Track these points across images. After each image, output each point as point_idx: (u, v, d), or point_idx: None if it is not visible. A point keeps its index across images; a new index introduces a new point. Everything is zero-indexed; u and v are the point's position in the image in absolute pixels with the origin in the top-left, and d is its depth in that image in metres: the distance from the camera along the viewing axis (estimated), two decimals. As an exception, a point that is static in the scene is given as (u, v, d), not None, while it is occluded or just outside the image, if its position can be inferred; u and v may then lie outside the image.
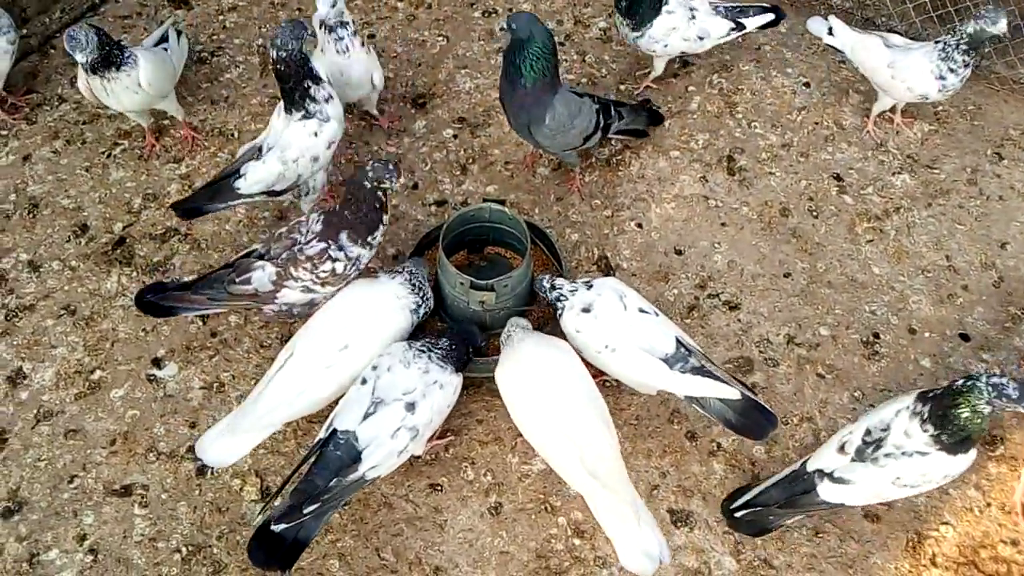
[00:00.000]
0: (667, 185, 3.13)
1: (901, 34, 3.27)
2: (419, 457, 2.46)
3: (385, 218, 2.48)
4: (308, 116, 2.62)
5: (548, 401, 2.21)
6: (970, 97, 3.37)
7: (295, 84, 2.57)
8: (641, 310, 2.36)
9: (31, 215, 2.99)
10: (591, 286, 2.41)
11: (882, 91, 3.12)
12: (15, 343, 2.69)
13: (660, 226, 3.02)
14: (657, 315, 2.38)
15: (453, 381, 2.28)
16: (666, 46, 3.10)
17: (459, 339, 2.35)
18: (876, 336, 2.76)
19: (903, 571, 2.33)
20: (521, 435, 2.48)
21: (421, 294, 2.46)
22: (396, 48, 3.54)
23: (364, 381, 2.23)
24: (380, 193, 2.41)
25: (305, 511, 2.05)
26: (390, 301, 2.41)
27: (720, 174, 3.16)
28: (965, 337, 2.76)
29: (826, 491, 2.17)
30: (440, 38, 3.59)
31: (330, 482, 2.08)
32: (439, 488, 2.44)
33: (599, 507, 2.15)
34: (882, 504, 2.39)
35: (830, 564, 2.33)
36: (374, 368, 2.26)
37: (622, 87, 3.41)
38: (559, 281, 2.47)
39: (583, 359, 2.35)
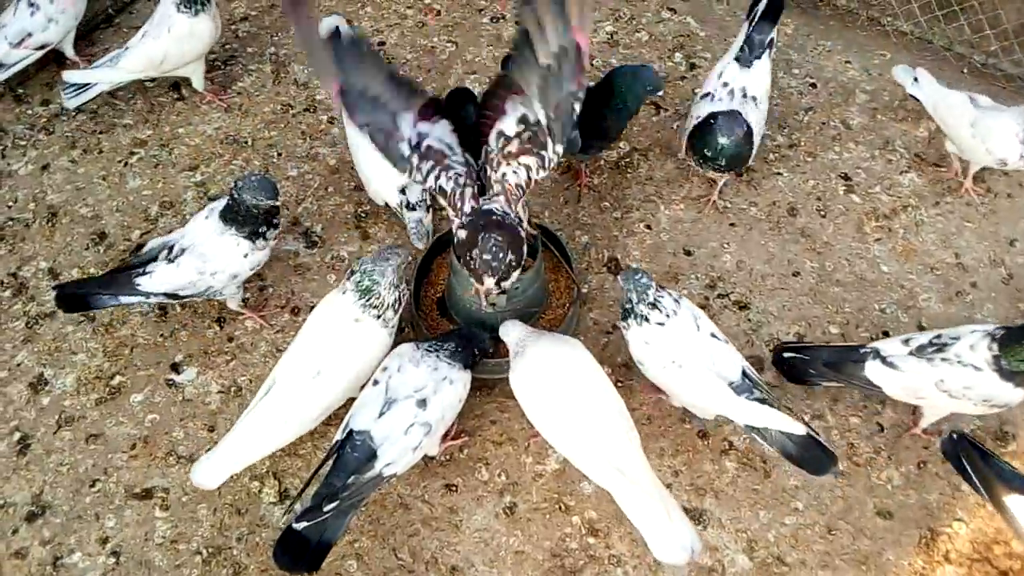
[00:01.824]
0: (675, 187, 3.15)
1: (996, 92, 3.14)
2: (434, 458, 2.49)
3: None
4: (247, 237, 2.49)
5: (567, 399, 2.23)
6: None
7: (249, 224, 2.49)
8: (712, 335, 2.34)
9: (50, 224, 3.04)
10: (679, 308, 2.34)
11: (960, 151, 3.00)
12: (36, 350, 2.74)
13: (669, 227, 3.05)
14: (727, 343, 2.36)
15: (463, 377, 2.32)
16: None
17: (465, 340, 2.39)
18: (886, 334, 2.77)
19: (917, 568, 2.34)
20: (534, 436, 2.52)
21: (376, 300, 2.33)
22: (406, 55, 3.58)
23: (376, 382, 2.28)
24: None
25: (325, 509, 2.08)
26: (348, 323, 2.35)
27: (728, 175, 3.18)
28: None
29: (872, 369, 2.32)
30: (449, 44, 3.63)
31: (348, 480, 2.12)
32: (454, 488, 2.47)
33: (627, 502, 2.16)
34: (916, 403, 2.42)
35: (843, 561, 2.35)
36: (384, 369, 2.31)
37: (630, 90, 3.44)
38: (665, 300, 2.33)
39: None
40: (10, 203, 3.10)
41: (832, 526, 2.41)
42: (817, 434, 2.26)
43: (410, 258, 2.55)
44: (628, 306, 2.35)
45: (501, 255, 2.10)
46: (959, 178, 3.12)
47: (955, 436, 2.25)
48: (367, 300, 2.34)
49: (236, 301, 2.74)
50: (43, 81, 3.43)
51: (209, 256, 2.50)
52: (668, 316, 2.31)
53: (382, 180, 2.85)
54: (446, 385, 2.27)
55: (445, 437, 2.50)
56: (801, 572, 2.33)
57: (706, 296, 2.87)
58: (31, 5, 3.19)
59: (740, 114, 2.76)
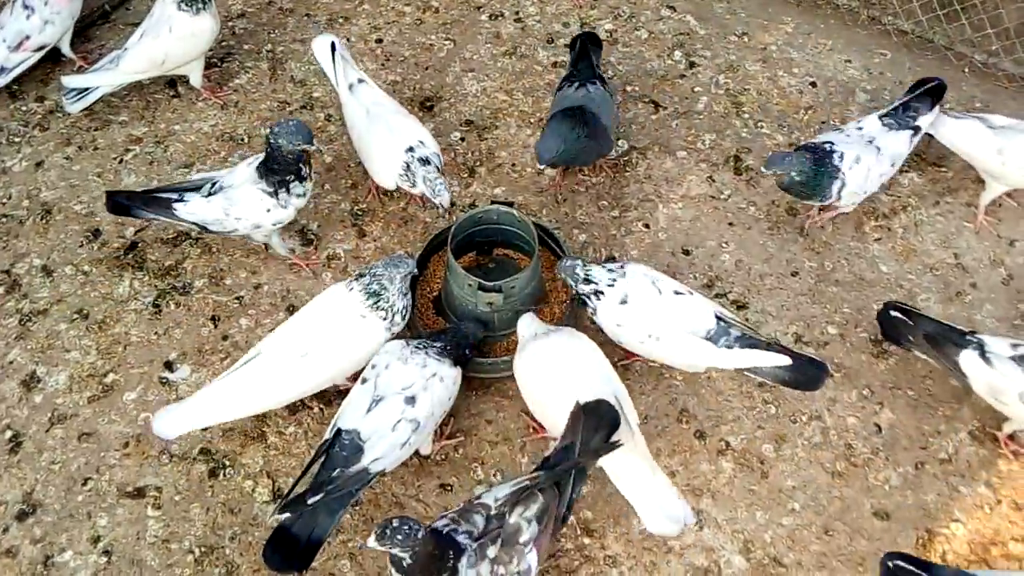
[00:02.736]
0: (674, 185, 3.14)
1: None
2: (428, 457, 2.48)
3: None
4: (271, 195, 2.62)
5: (565, 377, 2.24)
6: (977, 95, 3.37)
7: (280, 172, 2.60)
8: (676, 292, 2.39)
9: (44, 221, 3.03)
10: (624, 274, 2.41)
11: (992, 179, 2.90)
12: (29, 347, 2.72)
13: (667, 226, 3.03)
14: (692, 294, 2.41)
15: (451, 373, 2.31)
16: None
17: (455, 337, 2.38)
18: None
19: (914, 569, 2.32)
20: (529, 435, 2.50)
21: (384, 304, 2.37)
22: (403, 52, 3.57)
23: (364, 380, 2.28)
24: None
25: (309, 501, 2.07)
26: (352, 317, 2.38)
27: (727, 174, 3.17)
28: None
29: (967, 358, 2.34)
30: (447, 42, 3.61)
31: (333, 472, 2.11)
32: (449, 488, 2.45)
33: (619, 474, 2.18)
34: (995, 404, 2.40)
35: (840, 562, 2.33)
36: (373, 367, 2.30)
37: (628, 88, 3.42)
38: (594, 271, 2.40)
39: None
40: (4, 200, 3.09)
41: (829, 527, 2.39)
42: (800, 355, 2.33)
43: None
44: (575, 294, 2.43)
45: None
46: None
47: (890, 565, 2.03)
48: (375, 303, 2.36)
49: (282, 248, 2.85)
50: (38, 78, 3.42)
51: (236, 201, 2.63)
52: (609, 284, 2.37)
53: (386, 162, 2.79)
54: (436, 382, 2.26)
55: (440, 437, 2.49)
56: (798, 573, 2.32)
57: (704, 295, 2.84)
58: (26, 7, 3.18)
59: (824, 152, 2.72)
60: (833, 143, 2.77)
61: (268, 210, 2.63)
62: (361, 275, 2.41)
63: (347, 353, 2.39)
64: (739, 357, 2.31)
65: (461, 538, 1.89)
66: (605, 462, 2.16)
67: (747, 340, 2.33)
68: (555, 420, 2.25)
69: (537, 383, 2.32)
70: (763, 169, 2.74)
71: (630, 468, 2.18)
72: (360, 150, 2.92)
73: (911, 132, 2.87)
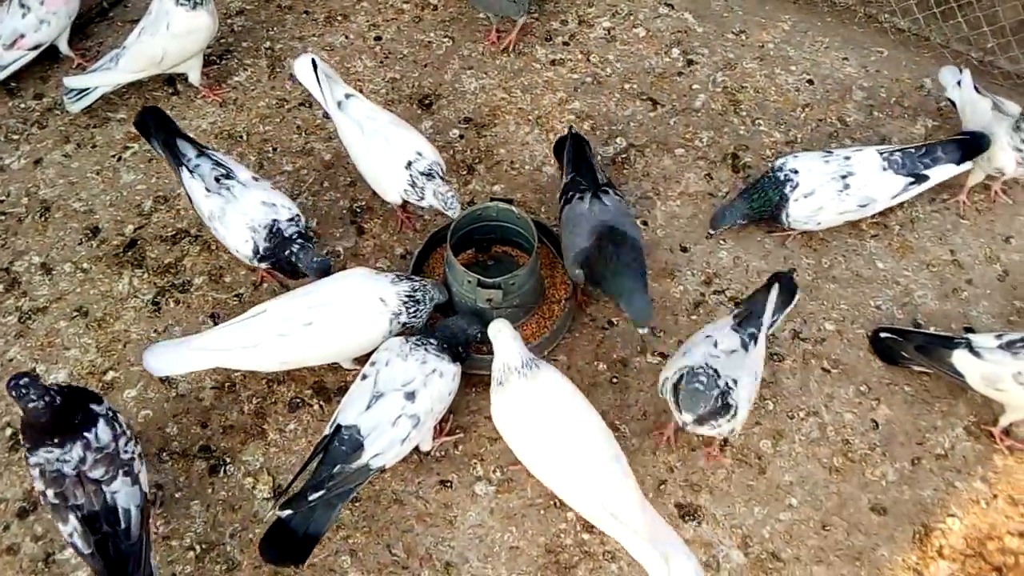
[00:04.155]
0: (672, 183, 3.15)
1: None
2: (428, 454, 2.49)
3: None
4: (254, 250, 2.59)
5: (559, 446, 2.16)
6: (973, 92, 3.38)
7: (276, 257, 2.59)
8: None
9: (43, 218, 3.03)
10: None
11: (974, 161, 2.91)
12: (29, 345, 2.72)
13: (665, 223, 3.04)
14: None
15: (451, 369, 2.32)
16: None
17: (454, 333, 2.40)
18: (880, 331, 2.77)
19: (910, 563, 2.34)
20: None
21: (411, 310, 2.45)
22: (402, 49, 3.57)
23: (364, 377, 2.29)
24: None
25: (310, 498, 2.08)
26: (372, 303, 2.43)
27: (725, 171, 3.18)
28: (970, 331, 2.77)
29: (959, 357, 2.43)
30: (446, 39, 3.62)
31: (333, 469, 2.12)
32: (449, 485, 2.47)
33: (626, 544, 2.13)
34: (995, 396, 2.45)
35: (837, 557, 2.35)
36: (372, 364, 2.32)
37: (626, 85, 3.43)
38: None
39: None
40: (3, 197, 3.09)
41: (826, 522, 2.41)
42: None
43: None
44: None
45: None
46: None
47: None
48: (410, 308, 2.45)
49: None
50: (36, 75, 3.41)
51: (227, 223, 2.61)
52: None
53: (389, 180, 2.75)
54: (435, 378, 2.27)
55: (440, 433, 2.50)
56: (795, 568, 2.33)
57: (702, 292, 2.86)
58: (22, 6, 3.18)
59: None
60: (797, 171, 2.76)
61: (238, 251, 2.62)
62: (410, 279, 2.50)
63: (351, 333, 2.42)
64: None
65: None
66: (610, 532, 2.13)
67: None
68: (540, 472, 2.22)
69: (523, 435, 2.23)
70: (710, 231, 2.85)
71: (634, 540, 2.10)
72: (361, 170, 2.84)
73: (910, 180, 2.80)
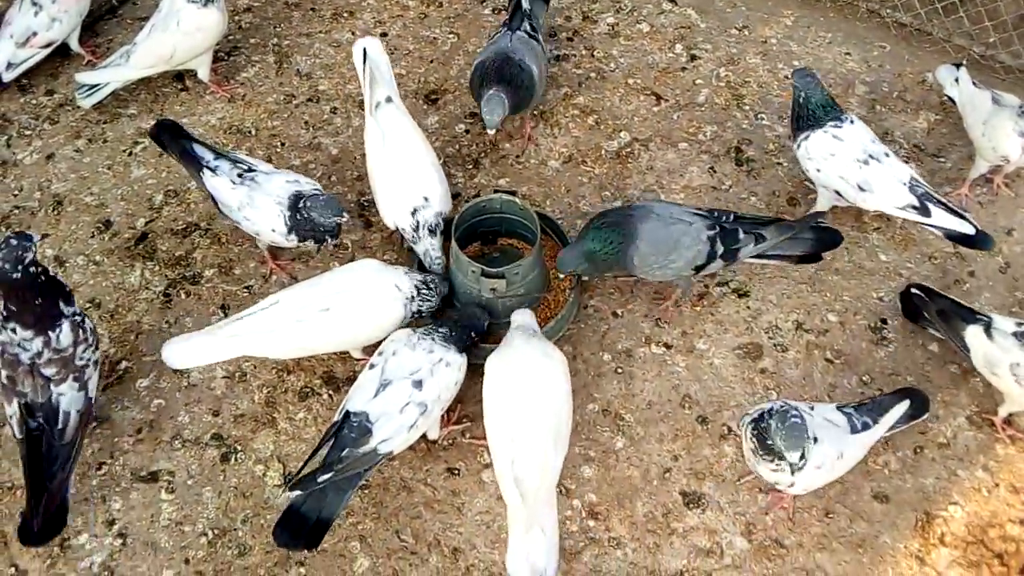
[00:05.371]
0: (676, 176, 3.18)
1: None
2: (436, 442, 2.52)
3: None
4: (288, 227, 2.62)
5: (515, 401, 2.25)
6: (975, 86, 3.41)
7: (305, 231, 2.62)
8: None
9: (56, 212, 3.07)
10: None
11: (978, 152, 2.95)
12: (43, 336, 2.76)
13: (669, 216, 3.07)
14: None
15: (458, 360, 2.36)
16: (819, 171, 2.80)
17: (461, 324, 2.44)
18: (884, 322, 2.80)
19: (912, 550, 2.37)
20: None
21: (423, 295, 2.53)
22: (408, 46, 3.61)
23: (372, 366, 2.34)
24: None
25: (319, 479, 2.12)
26: (388, 289, 2.49)
27: (728, 165, 3.21)
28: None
29: (972, 334, 2.44)
30: (451, 35, 3.65)
31: (342, 453, 2.16)
32: (456, 472, 2.50)
33: (512, 516, 2.17)
34: (991, 379, 2.47)
35: (840, 544, 2.38)
36: (380, 354, 2.36)
37: (630, 81, 3.46)
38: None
39: None
40: (15, 192, 3.13)
41: (829, 509, 2.43)
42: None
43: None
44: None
45: None
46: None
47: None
48: (423, 295, 2.52)
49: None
50: (47, 72, 3.46)
51: (255, 205, 2.63)
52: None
53: (391, 213, 2.75)
54: (442, 367, 2.31)
55: (447, 422, 2.53)
56: (798, 554, 2.36)
57: (706, 284, 2.89)
58: (34, 4, 3.21)
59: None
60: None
61: (274, 229, 2.63)
62: (419, 271, 2.60)
63: (367, 318, 2.47)
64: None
65: None
66: (507, 500, 2.17)
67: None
68: (489, 430, 2.27)
69: (495, 384, 2.31)
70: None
71: (520, 513, 2.14)
72: (370, 179, 2.82)
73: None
